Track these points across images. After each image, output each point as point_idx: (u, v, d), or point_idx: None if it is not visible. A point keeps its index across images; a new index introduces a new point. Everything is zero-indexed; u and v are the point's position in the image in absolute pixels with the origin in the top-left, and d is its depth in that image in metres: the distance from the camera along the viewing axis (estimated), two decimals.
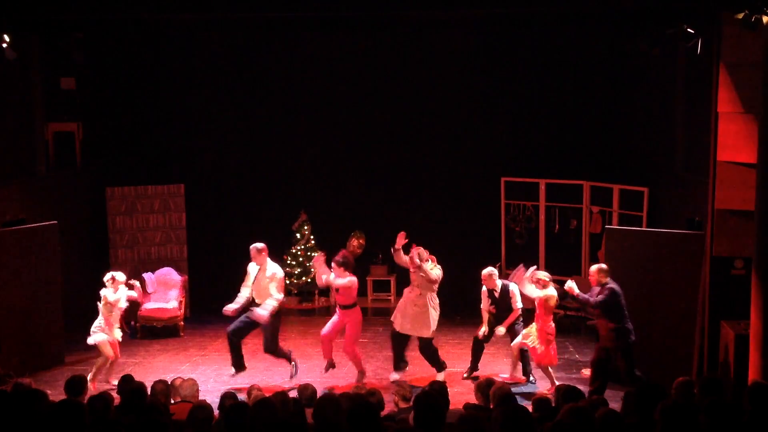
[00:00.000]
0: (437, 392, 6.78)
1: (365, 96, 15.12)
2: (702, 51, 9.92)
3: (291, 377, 11.08)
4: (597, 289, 10.13)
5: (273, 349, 11.04)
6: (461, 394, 10.24)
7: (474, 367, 11.41)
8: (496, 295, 11.26)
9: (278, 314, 10.96)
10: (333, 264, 10.97)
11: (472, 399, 8.21)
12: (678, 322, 10.74)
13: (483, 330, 11.26)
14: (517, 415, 5.34)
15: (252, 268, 11.03)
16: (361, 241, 14.98)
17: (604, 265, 10.28)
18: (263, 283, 10.85)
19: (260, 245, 10.95)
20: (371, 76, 15.03)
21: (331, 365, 11.20)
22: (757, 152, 8.86)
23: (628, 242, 11.16)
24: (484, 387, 7.75)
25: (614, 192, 13.59)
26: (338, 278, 10.85)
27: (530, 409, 7.01)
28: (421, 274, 10.93)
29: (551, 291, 10.68)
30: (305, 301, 14.83)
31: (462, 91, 15.03)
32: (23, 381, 7.85)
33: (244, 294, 11.00)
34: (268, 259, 10.96)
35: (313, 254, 14.85)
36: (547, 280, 10.82)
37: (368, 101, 15.15)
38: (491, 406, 7.19)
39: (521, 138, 14.98)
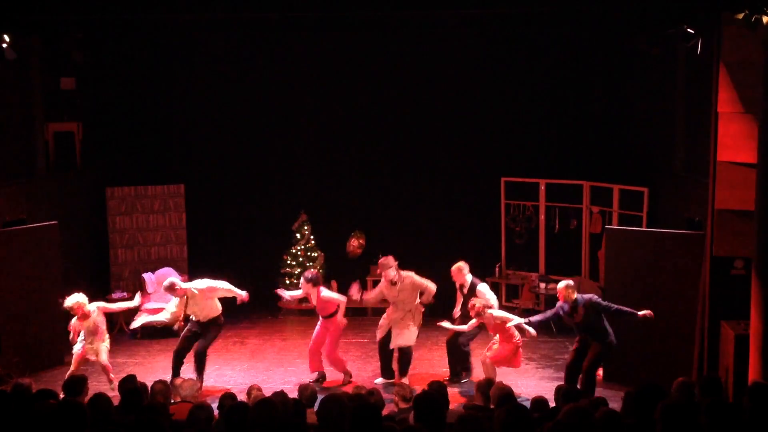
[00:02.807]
0: (437, 392, 6.78)
1: (365, 96, 15.12)
2: (702, 51, 9.92)
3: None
4: (561, 304, 10.05)
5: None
6: (461, 394, 10.24)
7: (454, 370, 11.29)
8: (465, 291, 11.16)
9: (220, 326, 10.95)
10: (302, 280, 11.05)
11: (473, 399, 8.22)
12: (678, 322, 10.73)
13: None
14: (517, 415, 5.34)
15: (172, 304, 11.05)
16: (361, 241, 14.99)
17: (571, 282, 10.19)
18: (200, 302, 10.75)
19: (167, 283, 10.78)
20: (371, 76, 15.02)
21: (322, 377, 11.15)
22: (757, 152, 8.86)
23: (628, 242, 11.15)
24: (484, 387, 7.76)
25: (614, 192, 13.59)
26: (323, 294, 10.93)
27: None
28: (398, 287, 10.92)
29: (493, 312, 10.51)
30: (305, 301, 14.80)
31: (462, 92, 15.03)
32: (23, 381, 7.85)
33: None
34: (187, 285, 10.81)
35: (313, 254, 14.88)
36: (480, 306, 10.52)
37: (368, 101, 15.15)
38: (491, 406, 7.19)
39: (521, 138, 14.97)
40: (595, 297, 10.08)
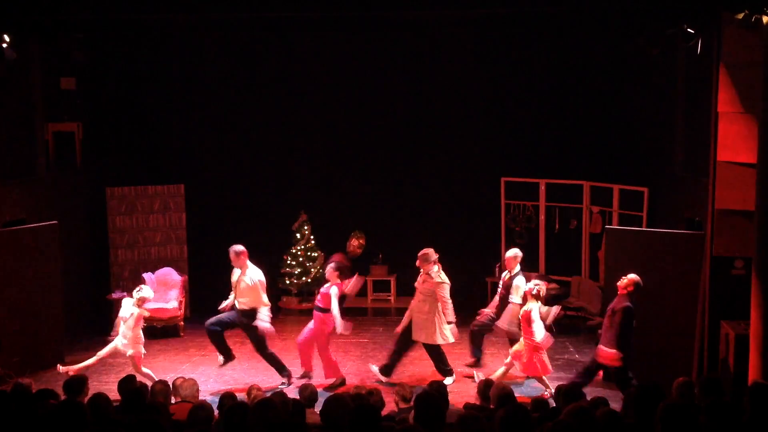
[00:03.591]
0: (437, 392, 6.78)
1: (365, 96, 15.13)
2: (702, 51, 9.91)
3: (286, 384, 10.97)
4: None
5: (263, 352, 11.00)
6: (461, 394, 10.24)
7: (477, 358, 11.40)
8: (508, 277, 11.22)
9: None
10: (329, 269, 11.02)
11: (472, 399, 8.22)
12: (678, 322, 10.73)
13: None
14: (517, 415, 5.34)
15: (235, 273, 10.94)
16: (361, 241, 14.99)
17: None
18: (242, 286, 10.79)
19: (239, 248, 10.82)
20: (371, 76, 15.03)
21: (307, 375, 11.06)
22: (757, 152, 8.86)
23: (628, 242, 11.15)
24: (484, 387, 7.76)
25: (614, 192, 13.60)
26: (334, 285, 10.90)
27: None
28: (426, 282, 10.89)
29: (533, 305, 10.50)
30: (305, 301, 14.81)
31: (462, 92, 15.03)
32: (23, 381, 7.85)
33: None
34: (249, 263, 10.85)
35: (313, 254, 14.88)
36: (538, 290, 10.57)
37: (368, 101, 15.15)
38: (491, 406, 7.19)
39: (521, 138, 14.98)
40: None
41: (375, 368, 11.14)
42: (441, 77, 15.00)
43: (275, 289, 14.32)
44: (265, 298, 10.83)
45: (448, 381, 10.72)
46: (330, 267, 11.09)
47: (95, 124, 14.27)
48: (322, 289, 11.11)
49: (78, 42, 11.85)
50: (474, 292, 14.50)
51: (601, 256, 12.96)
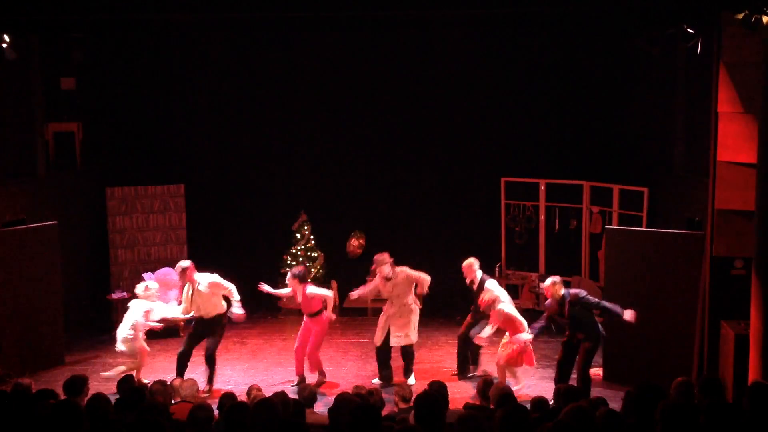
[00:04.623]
0: (437, 392, 6.78)
1: (365, 96, 15.12)
2: (702, 51, 9.92)
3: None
4: (548, 301, 10.09)
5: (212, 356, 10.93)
6: (461, 394, 10.24)
7: (462, 366, 11.34)
8: (475, 287, 11.15)
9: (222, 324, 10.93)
10: (289, 276, 11.10)
11: (472, 399, 8.22)
12: (678, 322, 10.73)
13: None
14: (517, 415, 5.34)
15: (186, 290, 10.96)
16: (361, 241, 14.99)
17: (557, 278, 10.20)
18: (205, 296, 10.77)
19: (185, 264, 10.85)
20: (371, 76, 15.02)
21: (302, 380, 11.04)
22: (757, 152, 8.86)
23: (628, 242, 11.15)
24: (484, 387, 7.76)
25: (614, 192, 13.60)
26: (308, 290, 10.93)
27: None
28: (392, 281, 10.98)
29: (503, 307, 10.53)
30: None
31: (462, 91, 15.02)
32: (23, 381, 7.85)
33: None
34: (197, 275, 10.83)
35: (313, 254, 14.88)
36: (489, 299, 10.58)
37: (368, 101, 15.15)
38: (491, 406, 7.19)
39: (521, 138, 14.97)
40: (582, 292, 10.07)
41: (376, 381, 11.15)
42: (441, 77, 14.99)
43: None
44: (225, 283, 10.78)
45: (411, 381, 10.86)
46: (289, 276, 11.11)
47: (95, 124, 14.27)
48: (299, 299, 11.03)
49: (78, 42, 11.86)
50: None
51: (601, 256, 12.96)
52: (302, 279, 10.94)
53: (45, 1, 9.71)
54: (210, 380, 10.80)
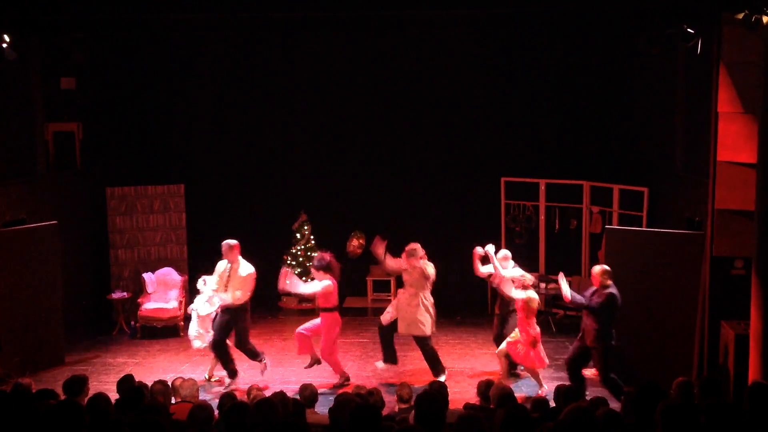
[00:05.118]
0: (437, 392, 6.78)
1: (365, 96, 15.11)
2: (702, 51, 9.91)
3: (262, 373, 11.12)
4: (593, 288, 10.06)
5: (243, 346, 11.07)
6: (461, 394, 10.24)
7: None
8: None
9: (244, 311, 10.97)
10: (311, 268, 11.11)
11: (472, 399, 8.22)
12: (678, 322, 10.73)
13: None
14: (517, 415, 5.34)
15: (221, 265, 11.06)
16: (361, 241, 14.95)
17: (607, 267, 10.10)
18: (237, 282, 10.87)
19: (232, 242, 10.99)
20: (371, 76, 15.02)
21: (316, 361, 11.11)
22: (757, 152, 8.86)
23: (628, 242, 11.15)
24: (484, 387, 7.76)
25: (614, 192, 13.60)
26: (313, 283, 10.98)
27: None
28: (414, 272, 10.91)
29: (532, 293, 10.60)
30: (305, 301, 14.81)
31: (462, 91, 15.02)
32: (23, 381, 7.85)
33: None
34: (241, 258, 10.97)
35: (313, 254, 14.86)
36: (530, 283, 10.71)
37: (368, 101, 15.14)
38: (491, 406, 7.19)
39: (521, 138, 14.97)
40: (617, 293, 9.99)
41: (380, 364, 11.12)
42: (441, 77, 14.98)
43: (275, 290, 14.28)
44: (250, 286, 10.91)
45: (441, 378, 10.74)
46: (313, 266, 11.11)
47: (95, 124, 14.27)
48: (318, 291, 11.04)
49: (78, 42, 11.85)
50: (474, 292, 14.48)
51: (601, 256, 12.95)
52: (326, 269, 10.92)
53: (45, 1, 9.72)
54: (231, 374, 10.90)
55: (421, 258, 11.00)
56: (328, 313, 10.95)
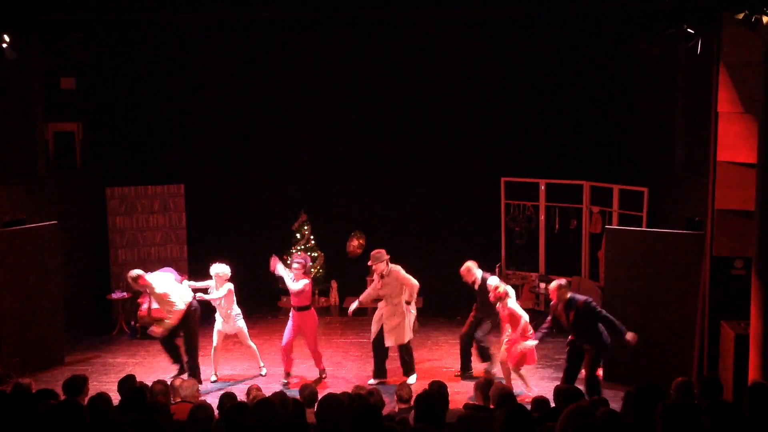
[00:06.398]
0: (437, 392, 6.78)
1: (365, 96, 15.12)
2: (702, 51, 9.92)
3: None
4: (560, 304, 9.99)
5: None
6: (461, 394, 10.24)
7: (465, 365, 11.37)
8: (477, 287, 11.17)
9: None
10: (292, 267, 11.17)
11: (472, 399, 8.21)
12: (678, 322, 10.73)
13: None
14: (517, 415, 5.34)
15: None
16: (361, 241, 14.99)
17: (563, 281, 10.12)
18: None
19: (135, 273, 11.30)
20: (371, 76, 15.02)
21: (289, 376, 11.20)
22: (757, 152, 8.86)
23: (628, 242, 11.15)
24: (484, 387, 7.76)
25: (614, 192, 13.60)
26: (295, 281, 10.99)
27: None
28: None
29: (508, 302, 10.55)
30: None
31: (462, 92, 15.02)
32: (23, 381, 7.85)
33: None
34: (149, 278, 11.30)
35: (313, 254, 14.88)
36: (503, 291, 10.59)
37: (368, 101, 15.15)
38: (491, 406, 7.19)
39: (521, 138, 14.97)
40: (590, 300, 10.01)
41: (372, 381, 11.15)
42: (441, 77, 14.99)
43: (275, 290, 14.33)
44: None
45: (411, 380, 10.86)
46: (297, 267, 11.15)
47: (95, 124, 14.27)
48: (294, 290, 11.08)
49: (78, 42, 11.85)
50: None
51: (601, 256, 12.96)
52: (306, 272, 11.21)
53: (45, 1, 9.71)
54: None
55: (385, 261, 11.04)
56: (306, 312, 11.13)
